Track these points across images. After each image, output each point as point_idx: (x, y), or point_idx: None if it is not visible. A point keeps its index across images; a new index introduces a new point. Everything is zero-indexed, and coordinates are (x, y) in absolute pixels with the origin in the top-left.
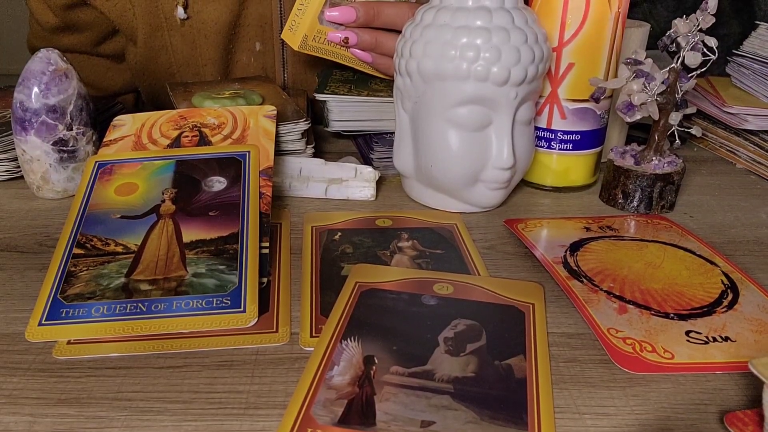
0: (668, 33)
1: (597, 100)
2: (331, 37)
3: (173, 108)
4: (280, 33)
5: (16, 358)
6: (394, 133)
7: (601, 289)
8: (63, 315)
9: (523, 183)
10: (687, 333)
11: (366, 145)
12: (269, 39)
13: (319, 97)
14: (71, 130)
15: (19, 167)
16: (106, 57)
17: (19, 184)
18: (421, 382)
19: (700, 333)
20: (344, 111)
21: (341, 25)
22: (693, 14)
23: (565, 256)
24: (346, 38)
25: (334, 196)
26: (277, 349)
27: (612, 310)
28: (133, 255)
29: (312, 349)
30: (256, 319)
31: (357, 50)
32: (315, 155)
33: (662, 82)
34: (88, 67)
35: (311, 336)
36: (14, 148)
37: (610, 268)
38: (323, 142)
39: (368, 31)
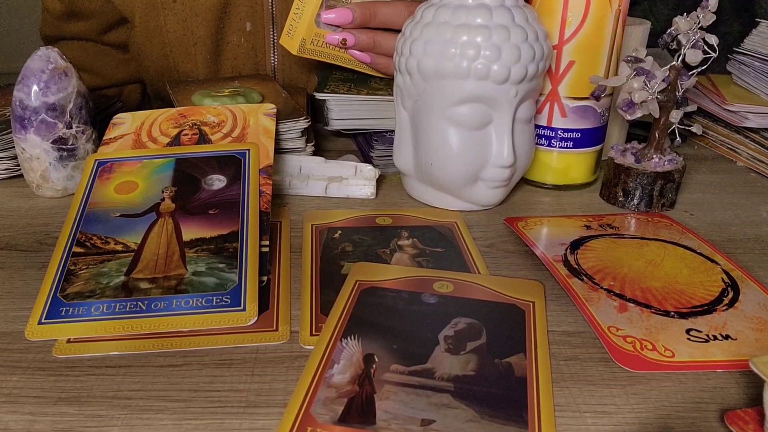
0: (669, 31)
1: (597, 98)
2: (328, 39)
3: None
4: (271, 11)
5: (16, 357)
6: (394, 131)
7: (602, 288)
8: (63, 313)
9: (524, 181)
10: (687, 331)
11: (366, 144)
12: (260, 19)
13: (319, 96)
14: (71, 128)
15: (18, 166)
16: (111, 46)
17: (19, 182)
18: (421, 380)
19: (700, 331)
20: (344, 110)
21: (338, 27)
22: (693, 12)
23: (565, 254)
24: (344, 40)
25: (334, 195)
26: (277, 347)
27: (612, 309)
28: (133, 253)
29: (312, 347)
30: (256, 318)
31: (355, 51)
32: (315, 153)
33: (663, 80)
34: (94, 55)
35: (311, 334)
36: (14, 147)
37: (610, 266)
38: (323, 140)
39: (366, 31)
